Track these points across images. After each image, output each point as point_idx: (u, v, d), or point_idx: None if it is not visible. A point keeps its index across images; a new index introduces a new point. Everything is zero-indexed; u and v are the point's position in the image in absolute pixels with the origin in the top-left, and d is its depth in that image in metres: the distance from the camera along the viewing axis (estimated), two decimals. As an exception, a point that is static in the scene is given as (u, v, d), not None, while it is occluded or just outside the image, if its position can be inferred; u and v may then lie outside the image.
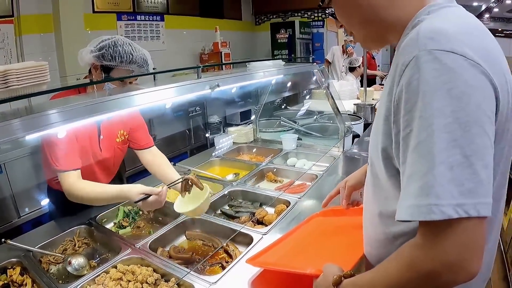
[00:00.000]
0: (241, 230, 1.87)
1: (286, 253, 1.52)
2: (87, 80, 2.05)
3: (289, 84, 3.46)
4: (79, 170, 1.89)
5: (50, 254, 1.79)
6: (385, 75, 7.69)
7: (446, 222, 0.71)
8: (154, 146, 2.36)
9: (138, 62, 1.93)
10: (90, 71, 2.02)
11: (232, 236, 1.84)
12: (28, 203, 4.09)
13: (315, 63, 3.02)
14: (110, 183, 2.21)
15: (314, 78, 3.04)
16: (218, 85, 1.65)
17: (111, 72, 1.94)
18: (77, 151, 1.92)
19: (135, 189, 1.79)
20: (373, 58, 7.84)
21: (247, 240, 1.81)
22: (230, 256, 1.74)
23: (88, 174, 1.98)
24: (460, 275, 0.74)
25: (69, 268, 1.68)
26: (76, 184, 1.85)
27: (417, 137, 0.75)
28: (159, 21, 6.68)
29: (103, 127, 2.11)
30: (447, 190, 0.71)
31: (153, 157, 2.32)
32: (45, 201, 3.82)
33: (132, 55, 1.91)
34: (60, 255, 1.79)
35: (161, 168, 2.27)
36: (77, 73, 4.82)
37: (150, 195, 1.77)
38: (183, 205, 1.89)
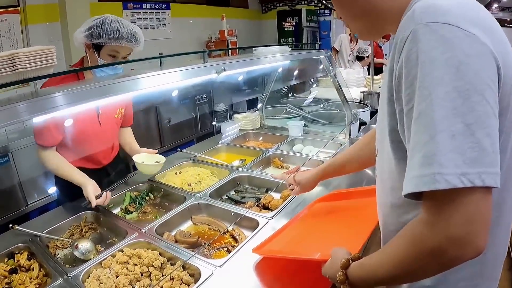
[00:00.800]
0: (247, 215, 1.87)
1: (291, 239, 1.56)
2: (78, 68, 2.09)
3: (295, 71, 3.44)
4: (54, 147, 2.06)
5: (57, 239, 1.81)
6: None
7: (450, 193, 0.70)
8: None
9: (126, 37, 1.98)
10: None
11: (238, 220, 1.85)
12: (35, 191, 4.11)
13: (322, 50, 2.98)
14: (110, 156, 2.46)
15: (321, 65, 3.02)
16: (224, 69, 1.64)
17: (102, 49, 2.02)
18: (58, 128, 2.02)
19: (87, 188, 1.94)
20: (380, 47, 7.77)
21: (253, 225, 1.81)
22: (236, 240, 1.74)
23: (88, 146, 2.24)
24: (467, 250, 0.71)
25: (75, 253, 1.69)
26: (48, 157, 2.05)
27: (417, 108, 0.75)
28: (165, 9, 6.65)
29: (103, 104, 2.15)
30: (450, 158, 0.69)
31: (130, 136, 2.57)
32: (52, 189, 3.85)
33: (119, 31, 1.95)
34: (67, 239, 1.81)
35: (134, 147, 2.49)
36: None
37: (96, 198, 1.92)
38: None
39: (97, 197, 1.92)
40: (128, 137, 2.55)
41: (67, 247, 1.78)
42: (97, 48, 2.02)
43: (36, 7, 4.72)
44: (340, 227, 1.54)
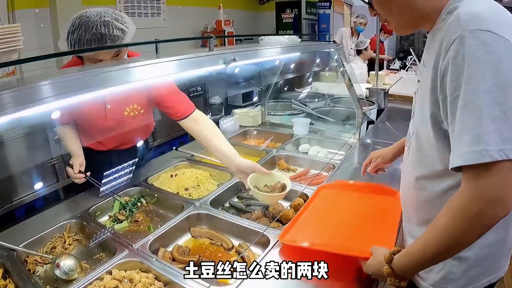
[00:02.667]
0: (255, 229, 1.65)
1: (319, 231, 1.58)
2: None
3: (302, 63, 3.20)
4: (67, 125, 2.02)
5: (35, 255, 1.58)
6: (392, 59, 7.45)
7: (490, 165, 0.88)
8: (193, 112, 2.06)
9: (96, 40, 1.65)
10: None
11: (245, 234, 1.64)
12: (21, 188, 3.90)
13: (332, 42, 2.74)
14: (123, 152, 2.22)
15: (331, 58, 2.78)
16: (234, 59, 1.38)
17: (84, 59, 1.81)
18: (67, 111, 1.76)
19: (74, 159, 1.93)
20: (382, 42, 7.57)
21: (263, 240, 1.58)
22: (243, 260, 1.50)
23: (95, 139, 2.12)
24: (502, 209, 0.90)
25: (57, 272, 1.47)
26: (59, 131, 2.07)
27: (465, 99, 0.92)
28: (159, -4, 6.35)
29: (111, 97, 1.94)
30: (492, 138, 0.88)
31: (194, 124, 2.06)
32: (38, 185, 3.61)
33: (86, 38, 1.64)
34: (47, 255, 1.57)
35: (205, 138, 2.04)
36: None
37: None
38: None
39: (77, 171, 1.88)
40: (200, 130, 2.05)
41: (48, 263, 1.55)
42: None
43: (24, -10, 4.40)
44: (364, 221, 1.64)
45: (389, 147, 1.81)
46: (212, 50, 1.39)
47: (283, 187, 1.73)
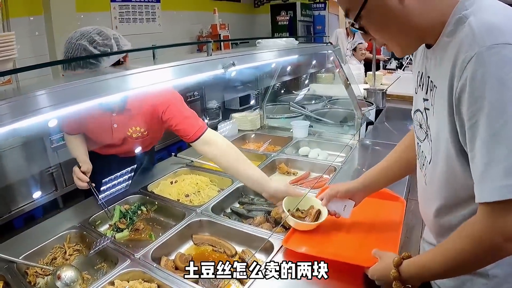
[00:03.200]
0: (258, 235, 1.62)
1: (321, 238, 1.55)
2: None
3: (299, 66, 3.18)
4: (76, 135, 2.06)
5: (36, 266, 1.55)
6: (388, 59, 7.44)
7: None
8: (205, 133, 1.89)
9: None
10: None
11: (247, 240, 1.62)
12: (20, 197, 3.91)
13: (329, 44, 2.73)
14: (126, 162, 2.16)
15: (328, 60, 2.76)
16: (233, 64, 1.36)
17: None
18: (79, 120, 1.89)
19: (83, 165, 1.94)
20: (380, 44, 7.56)
21: (266, 246, 1.55)
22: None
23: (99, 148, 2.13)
24: None
25: (58, 284, 1.44)
26: (67, 140, 2.08)
27: (491, 126, 0.82)
28: (154, 2, 6.35)
29: (116, 117, 1.98)
30: None
31: (207, 147, 1.89)
32: (37, 194, 3.58)
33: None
34: (47, 267, 1.55)
35: (226, 165, 1.89)
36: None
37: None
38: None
39: (82, 180, 1.90)
40: (216, 156, 1.89)
41: (49, 274, 1.53)
42: None
43: (18, -2, 4.39)
44: (367, 226, 1.62)
45: (348, 182, 1.62)
46: (211, 55, 1.37)
47: (318, 214, 1.61)
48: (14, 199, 3.85)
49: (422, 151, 1.20)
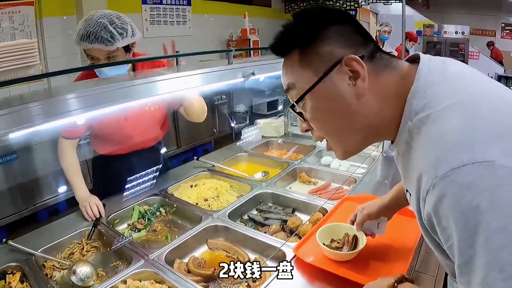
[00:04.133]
0: (271, 243, 1.62)
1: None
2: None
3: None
4: (73, 140, 2.03)
5: (53, 260, 1.61)
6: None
7: None
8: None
9: (91, 38, 1.72)
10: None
11: (261, 248, 1.61)
12: (45, 191, 4.00)
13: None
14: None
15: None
16: (253, 73, 1.37)
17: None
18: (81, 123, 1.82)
19: (81, 198, 1.95)
20: (407, 51, 7.45)
21: (279, 255, 1.55)
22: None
23: (117, 138, 2.12)
24: None
25: (73, 278, 1.49)
26: (62, 151, 2.03)
27: (462, 255, 0.70)
28: (185, 5, 6.41)
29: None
30: None
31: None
32: (62, 188, 3.67)
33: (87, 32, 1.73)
34: (64, 261, 1.59)
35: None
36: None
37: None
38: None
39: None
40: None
41: (65, 268, 1.58)
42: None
43: (51, -1, 4.52)
44: (381, 241, 1.52)
45: (377, 200, 1.48)
46: (232, 63, 1.38)
47: (356, 240, 1.48)
48: (39, 192, 3.95)
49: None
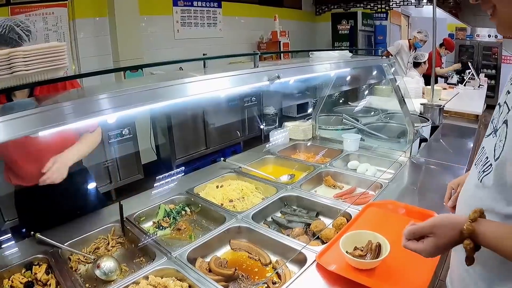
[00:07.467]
0: (293, 246, 1.62)
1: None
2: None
3: (353, 78, 3.14)
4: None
5: (79, 254, 1.66)
6: (449, 74, 7.14)
7: None
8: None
9: None
10: None
11: (283, 251, 1.61)
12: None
13: (383, 57, 2.68)
14: None
15: (383, 73, 2.71)
16: (278, 77, 1.38)
17: None
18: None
19: None
20: (441, 56, 7.31)
21: (300, 258, 1.55)
22: (279, 276, 1.49)
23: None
24: None
25: (97, 272, 1.54)
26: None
27: None
28: (216, 7, 6.48)
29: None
30: None
31: None
32: (92, 185, 3.77)
33: None
34: (89, 255, 1.65)
35: None
36: (130, 58, 4.72)
37: None
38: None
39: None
40: None
41: (90, 262, 1.63)
42: None
43: (84, 1, 4.66)
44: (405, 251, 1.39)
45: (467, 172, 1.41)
46: (257, 67, 1.39)
47: (379, 248, 1.45)
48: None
49: (484, 149, 1.08)
